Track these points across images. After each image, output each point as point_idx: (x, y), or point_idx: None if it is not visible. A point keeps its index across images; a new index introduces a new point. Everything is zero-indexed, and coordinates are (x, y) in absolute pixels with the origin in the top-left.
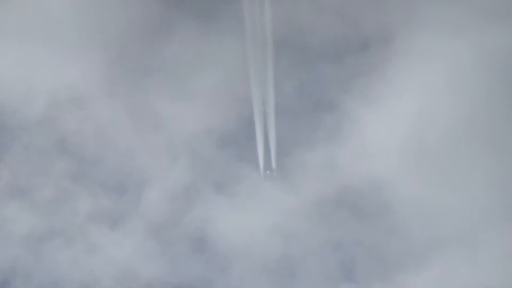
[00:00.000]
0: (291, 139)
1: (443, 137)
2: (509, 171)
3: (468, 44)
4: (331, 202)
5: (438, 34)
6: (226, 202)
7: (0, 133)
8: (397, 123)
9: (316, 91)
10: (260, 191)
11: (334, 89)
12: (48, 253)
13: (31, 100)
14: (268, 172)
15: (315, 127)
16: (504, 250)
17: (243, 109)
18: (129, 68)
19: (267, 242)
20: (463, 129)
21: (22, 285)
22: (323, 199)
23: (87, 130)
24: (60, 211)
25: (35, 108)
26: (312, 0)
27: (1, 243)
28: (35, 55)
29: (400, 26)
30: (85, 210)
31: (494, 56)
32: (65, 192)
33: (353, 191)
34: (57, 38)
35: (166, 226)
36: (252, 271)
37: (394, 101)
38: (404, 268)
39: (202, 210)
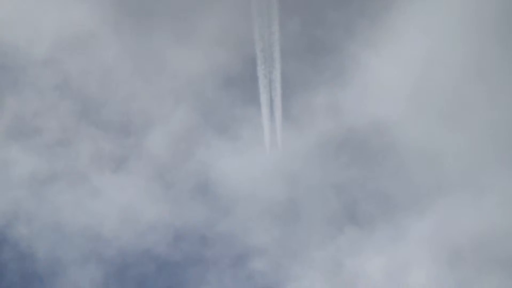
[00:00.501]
0: (295, 82)
1: (447, 80)
2: None
3: None
4: (335, 145)
5: None
6: (229, 144)
7: (3, 74)
8: (401, 67)
9: (321, 34)
10: (263, 133)
11: (339, 32)
12: (51, 196)
13: (35, 41)
14: (271, 114)
15: (320, 70)
16: (508, 193)
17: (247, 51)
18: (133, 10)
19: (271, 184)
20: (467, 72)
21: (24, 227)
22: (327, 142)
23: (91, 72)
24: (63, 153)
25: (38, 49)
26: None
27: (4, 185)
28: None
29: None
30: (88, 152)
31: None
32: (68, 134)
33: (356, 134)
34: None
35: (169, 169)
36: (256, 213)
37: (398, 44)
38: (407, 211)
39: (205, 152)
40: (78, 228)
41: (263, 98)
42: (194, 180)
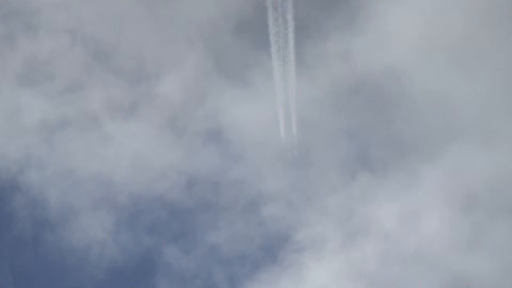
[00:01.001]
0: (308, 28)
1: (460, 25)
2: None
3: None
4: (347, 91)
5: None
6: (241, 91)
7: (15, 18)
8: (414, 12)
9: None
10: (274, 80)
11: None
12: (62, 142)
13: None
14: (283, 61)
15: (332, 17)
16: None
17: None
18: None
19: (282, 131)
20: (480, 16)
21: (36, 174)
22: (339, 88)
23: (103, 17)
24: (74, 99)
25: None
26: None
27: (15, 132)
28: None
29: None
30: (100, 98)
31: None
32: (80, 80)
33: (369, 80)
34: None
35: (181, 115)
36: (268, 159)
37: None
38: (420, 157)
39: (217, 99)
40: (89, 174)
41: (275, 44)
42: (206, 127)
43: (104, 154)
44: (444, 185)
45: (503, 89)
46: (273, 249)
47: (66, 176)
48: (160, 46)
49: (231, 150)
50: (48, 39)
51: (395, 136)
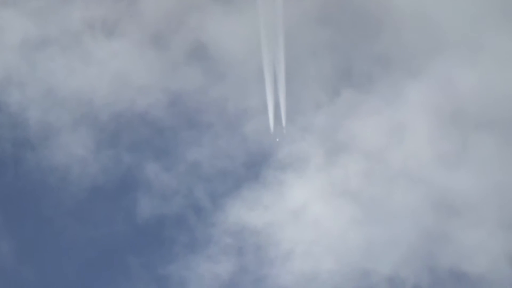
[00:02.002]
0: None
1: None
2: None
3: None
4: (332, 7)
5: None
6: (223, 7)
7: None
8: None
9: None
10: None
11: None
12: (43, 61)
13: None
14: None
15: None
16: (506, 53)
17: None
18: None
19: (265, 47)
20: None
21: (17, 93)
22: (324, 4)
23: None
24: (55, 18)
25: None
26: None
27: None
28: None
29: None
30: (81, 17)
31: None
32: None
33: None
34: None
35: (163, 33)
36: (250, 77)
37: None
38: (404, 72)
39: (200, 16)
40: (70, 93)
41: None
42: (189, 44)
43: (85, 72)
44: (429, 100)
45: (488, 3)
46: (255, 166)
47: (47, 94)
48: None
49: (214, 67)
50: None
51: (380, 51)
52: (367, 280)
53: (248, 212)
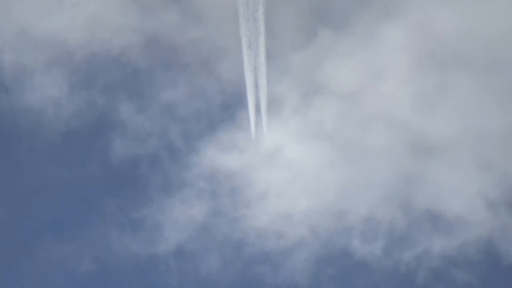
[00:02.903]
0: None
1: None
2: None
3: None
4: None
5: None
6: None
7: None
8: None
9: None
10: None
11: None
12: (15, 3)
13: None
14: None
15: None
16: None
17: None
18: None
19: None
20: None
21: None
22: None
23: None
24: None
25: None
26: None
27: None
28: None
29: None
30: None
31: None
32: None
33: None
34: None
35: None
36: (226, 17)
37: None
38: (382, 12)
39: None
40: (44, 34)
41: None
42: None
43: (59, 13)
44: (406, 41)
45: None
46: (231, 108)
47: (19, 36)
48: None
49: (189, 8)
50: None
51: None
52: (343, 220)
53: (223, 154)
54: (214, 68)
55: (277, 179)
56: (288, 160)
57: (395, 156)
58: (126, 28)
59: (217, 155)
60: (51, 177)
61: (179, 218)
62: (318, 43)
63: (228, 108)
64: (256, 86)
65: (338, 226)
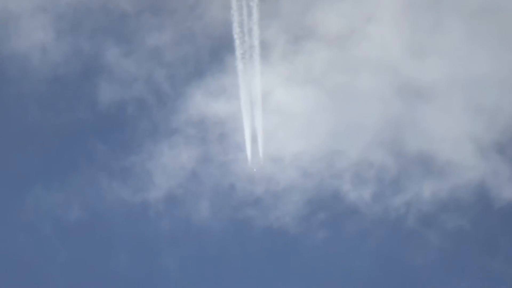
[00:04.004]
0: None
1: None
2: None
3: None
4: None
5: None
6: None
7: None
8: None
9: None
10: None
11: None
12: None
13: None
14: None
15: None
16: None
17: None
18: None
19: None
20: None
21: None
22: None
23: None
24: None
25: None
26: None
27: None
28: None
29: None
30: None
31: None
32: None
33: None
34: None
35: None
36: None
37: None
38: None
39: None
40: None
41: None
42: None
43: None
44: None
45: None
46: (219, 53)
47: None
48: None
49: None
50: None
51: None
52: (333, 164)
53: (211, 99)
54: (202, 13)
55: (267, 124)
56: (277, 105)
57: (385, 100)
58: None
59: (205, 101)
60: (38, 123)
61: (169, 165)
62: None
63: (216, 53)
64: (245, 31)
65: (329, 170)
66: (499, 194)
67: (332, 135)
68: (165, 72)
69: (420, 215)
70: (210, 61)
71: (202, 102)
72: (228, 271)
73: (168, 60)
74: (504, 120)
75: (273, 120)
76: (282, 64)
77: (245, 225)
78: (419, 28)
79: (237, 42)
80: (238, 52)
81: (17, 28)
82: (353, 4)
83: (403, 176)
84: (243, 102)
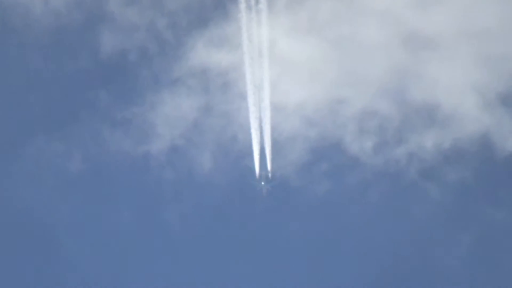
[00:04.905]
0: None
1: None
2: None
3: None
4: None
5: None
6: None
7: None
8: None
9: None
10: None
11: None
12: None
13: None
14: None
15: None
16: None
17: None
18: None
19: None
20: None
21: None
22: None
23: None
24: None
25: None
26: None
27: None
28: None
29: None
30: None
31: None
32: None
33: None
34: None
35: None
36: None
37: None
38: None
39: None
40: None
41: None
42: None
43: None
44: None
45: None
46: (222, 2)
47: None
48: None
49: None
50: None
51: None
52: (337, 113)
53: (214, 49)
54: None
55: (270, 73)
56: (281, 54)
57: (390, 50)
58: None
59: (208, 51)
60: (40, 73)
61: (171, 115)
62: None
63: (219, 2)
64: None
65: (332, 120)
66: (503, 145)
67: (336, 85)
68: (167, 21)
69: (422, 167)
70: (213, 10)
71: (204, 52)
72: (229, 223)
73: (171, 9)
74: (510, 71)
75: (276, 69)
76: (286, 14)
77: (247, 174)
78: None
79: None
80: (242, 1)
81: None
82: None
83: (406, 126)
84: (246, 52)
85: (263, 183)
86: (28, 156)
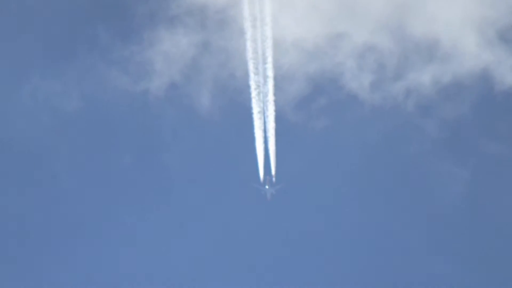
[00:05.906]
0: None
1: None
2: None
3: None
4: None
5: None
6: None
7: None
8: None
9: None
10: None
11: None
12: None
13: None
14: None
15: None
16: None
17: None
18: None
19: None
20: None
21: None
22: None
23: None
24: None
25: None
26: None
27: None
28: None
29: None
30: None
31: None
32: None
33: None
34: None
35: None
36: None
37: None
38: None
39: None
40: None
41: None
42: None
43: None
44: None
45: None
46: None
47: None
48: None
49: None
50: None
51: None
52: (336, 47)
53: None
54: None
55: (268, 9)
56: None
57: None
58: None
59: None
60: (36, 8)
61: (169, 52)
62: None
63: None
64: None
65: (331, 54)
66: (501, 80)
67: (335, 19)
68: None
69: (419, 103)
70: None
71: None
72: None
73: None
74: (509, 7)
75: (275, 3)
76: None
77: (245, 108)
78: None
79: None
80: None
81: None
82: None
83: (405, 62)
84: None
85: (267, 187)
86: (24, 93)
